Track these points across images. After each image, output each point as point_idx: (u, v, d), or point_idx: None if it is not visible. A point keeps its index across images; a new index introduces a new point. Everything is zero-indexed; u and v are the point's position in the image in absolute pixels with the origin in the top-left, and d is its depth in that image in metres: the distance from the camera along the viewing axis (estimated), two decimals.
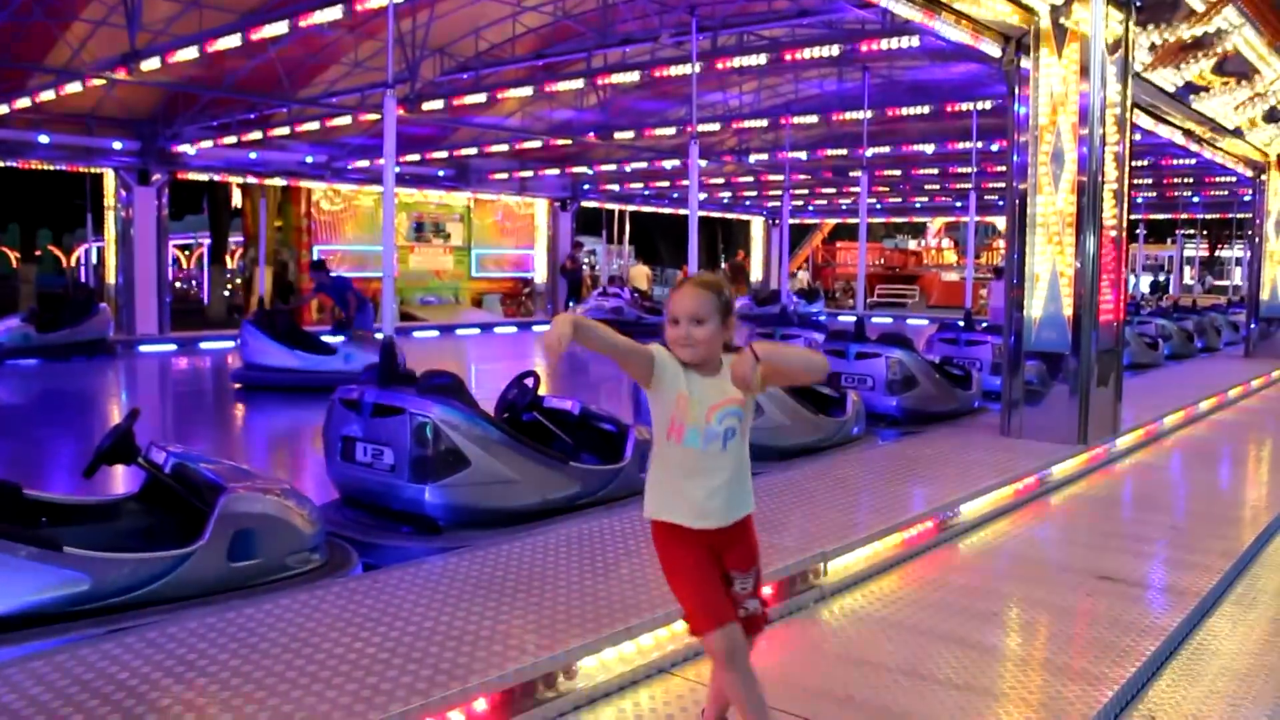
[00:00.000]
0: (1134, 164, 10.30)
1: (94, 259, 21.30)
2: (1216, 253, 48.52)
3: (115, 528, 4.74)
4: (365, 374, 6.63)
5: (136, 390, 14.64)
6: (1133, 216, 24.86)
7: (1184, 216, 31.13)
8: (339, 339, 13.46)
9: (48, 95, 15.39)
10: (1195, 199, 28.96)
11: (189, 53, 12.97)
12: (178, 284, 36.31)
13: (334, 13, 11.36)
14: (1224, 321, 20.71)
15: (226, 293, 28.37)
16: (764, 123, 20.16)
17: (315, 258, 21.67)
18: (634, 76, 15.21)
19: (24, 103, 15.86)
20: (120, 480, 6.87)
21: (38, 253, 42.79)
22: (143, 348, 18.28)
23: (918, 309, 34.19)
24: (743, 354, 2.81)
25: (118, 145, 19.21)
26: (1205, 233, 43.54)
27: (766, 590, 4.42)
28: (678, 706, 3.52)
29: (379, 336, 13.60)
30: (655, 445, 2.90)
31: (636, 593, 4.16)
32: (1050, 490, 7.09)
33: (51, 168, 19.54)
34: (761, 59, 13.54)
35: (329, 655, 3.46)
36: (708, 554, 2.88)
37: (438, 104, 16.96)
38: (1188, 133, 14.12)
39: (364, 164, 22.48)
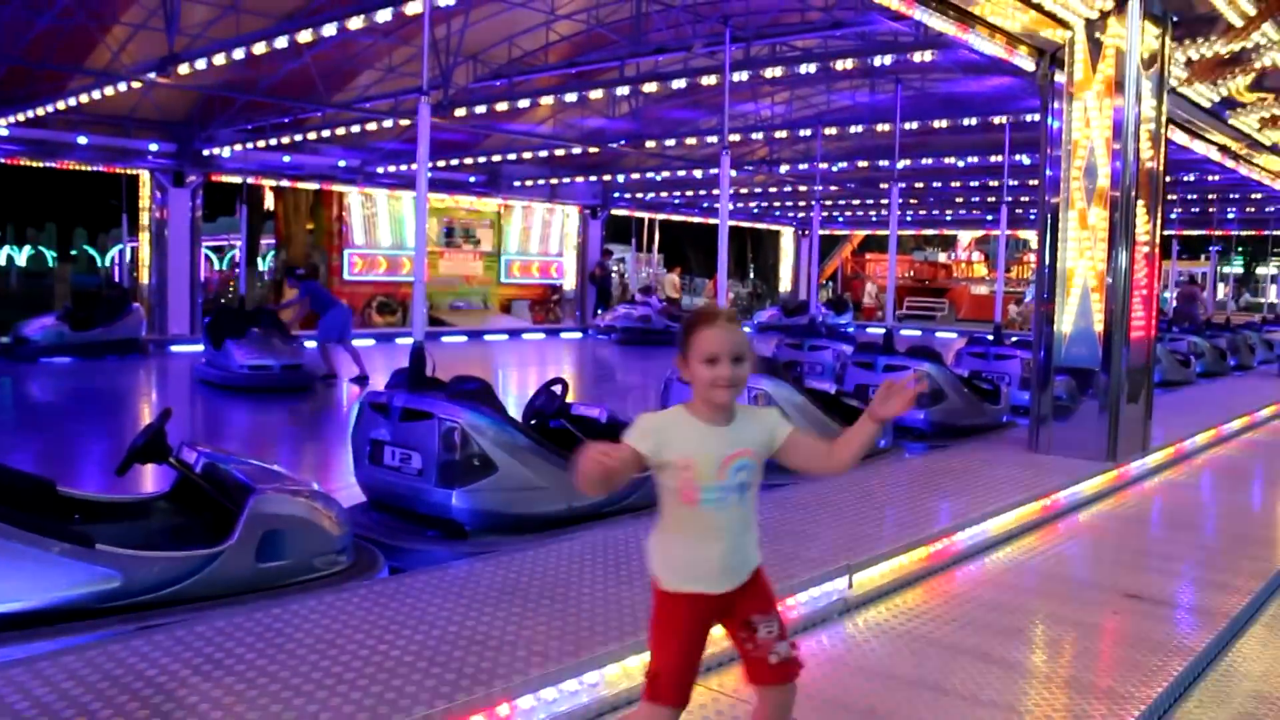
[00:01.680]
0: (1168, 179, 10.21)
1: (128, 259, 21.54)
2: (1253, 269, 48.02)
3: (146, 526, 4.81)
4: (395, 378, 6.68)
5: (167, 389, 14.78)
6: (1166, 232, 24.68)
7: (1218, 233, 30.80)
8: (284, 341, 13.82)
9: (87, 97, 15.60)
10: (1230, 215, 28.70)
11: (225, 57, 13.12)
12: (231, 287, 36.71)
13: (370, 18, 11.44)
14: (1258, 339, 20.48)
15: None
16: (796, 133, 20.15)
17: (297, 269, 22.08)
18: (667, 85, 15.24)
19: (64, 104, 16.08)
20: (151, 479, 6.94)
21: (74, 252, 43.33)
22: (174, 347, 18.47)
23: (947, 322, 34.04)
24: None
25: (154, 147, 19.43)
26: (1240, 249, 43.11)
27: (794, 600, 4.42)
28: (700, 715, 3.52)
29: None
30: (664, 512, 2.72)
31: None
32: (1078, 507, 7.03)
33: (89, 169, 19.80)
34: (795, 70, 13.54)
35: (354, 657, 3.49)
36: (708, 622, 2.75)
37: (470, 110, 17.06)
38: (1223, 148, 14.00)
39: (396, 169, 22.63)
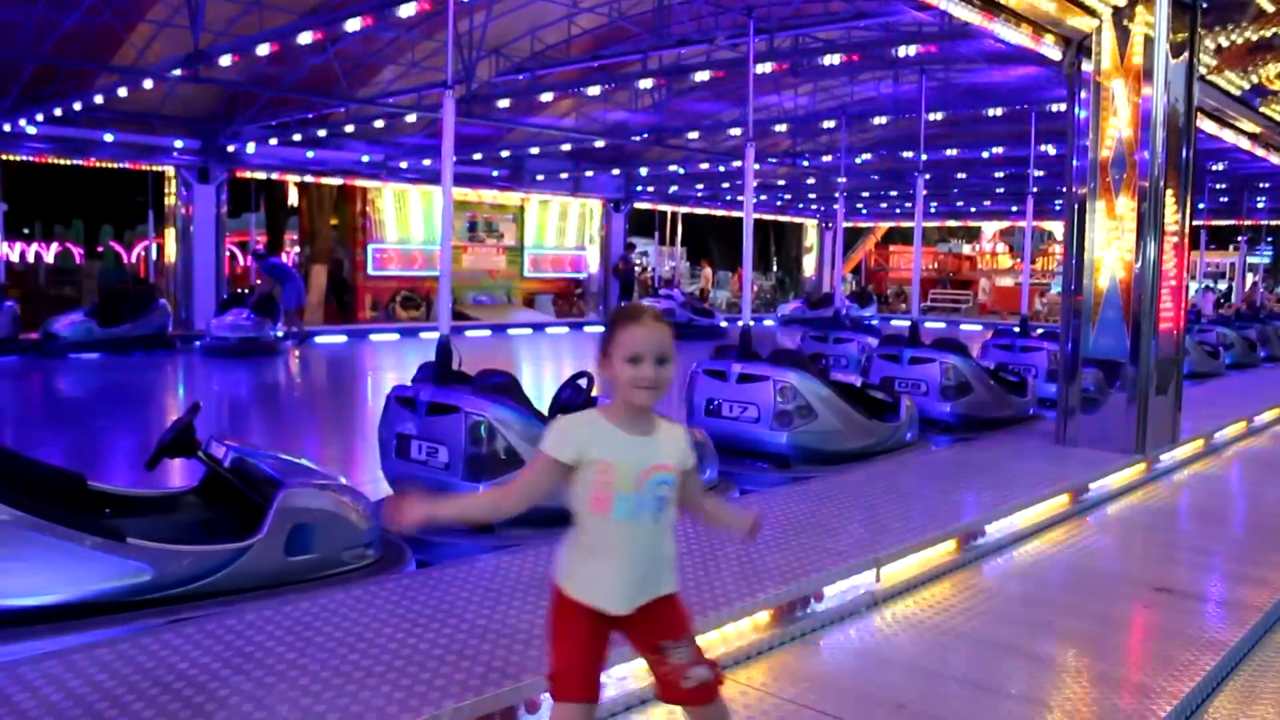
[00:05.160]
0: (1197, 168, 10.10)
1: (154, 255, 21.75)
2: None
3: (176, 520, 4.83)
4: (421, 372, 6.69)
5: (194, 384, 14.89)
6: (1195, 222, 24.49)
7: (1248, 223, 30.44)
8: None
9: (117, 94, 15.72)
10: (1260, 204, 28.36)
11: (250, 53, 13.18)
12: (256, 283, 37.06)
13: (394, 13, 11.46)
14: None
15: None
16: (819, 125, 20.08)
17: (259, 250, 22.55)
18: (689, 78, 15.21)
19: (92, 102, 16.21)
20: (180, 473, 6.99)
21: (100, 249, 43.58)
22: (200, 342, 18.57)
23: (971, 314, 33.85)
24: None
25: (179, 144, 19.56)
26: (1271, 239, 42.54)
27: (827, 603, 4.41)
28: (729, 708, 3.51)
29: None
30: (576, 519, 2.60)
31: (686, 594, 4.14)
32: (1106, 500, 6.98)
33: (115, 165, 19.95)
34: (818, 61, 13.48)
35: (384, 650, 3.50)
36: (605, 633, 2.63)
37: (493, 104, 17.07)
38: (1253, 137, 13.85)
39: (419, 163, 22.69)
